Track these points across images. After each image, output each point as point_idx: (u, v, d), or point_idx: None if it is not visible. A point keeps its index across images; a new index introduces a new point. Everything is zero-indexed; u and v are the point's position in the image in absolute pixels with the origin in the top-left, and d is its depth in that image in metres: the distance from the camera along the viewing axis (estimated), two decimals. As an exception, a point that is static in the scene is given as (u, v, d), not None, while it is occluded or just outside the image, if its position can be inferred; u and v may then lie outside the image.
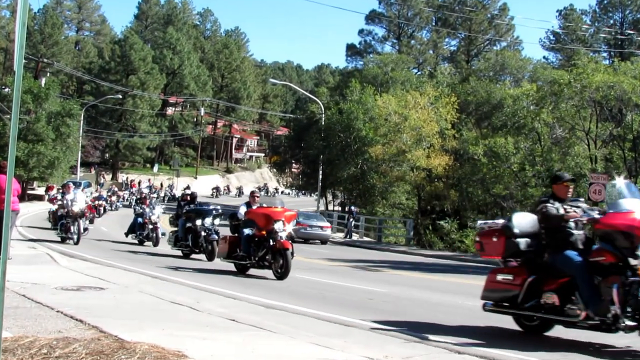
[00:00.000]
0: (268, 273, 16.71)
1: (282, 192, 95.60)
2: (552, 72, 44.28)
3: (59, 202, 24.49)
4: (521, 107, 38.77)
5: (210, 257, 20.94)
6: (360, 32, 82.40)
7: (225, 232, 18.93)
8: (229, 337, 7.97)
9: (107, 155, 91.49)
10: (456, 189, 44.70)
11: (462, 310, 12.17)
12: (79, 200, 24.26)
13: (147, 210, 26.33)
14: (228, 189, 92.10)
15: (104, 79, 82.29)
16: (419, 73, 70.17)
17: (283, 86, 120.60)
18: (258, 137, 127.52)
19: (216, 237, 20.75)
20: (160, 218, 26.90)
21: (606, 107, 35.39)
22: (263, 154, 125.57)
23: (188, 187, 27.82)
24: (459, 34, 77.89)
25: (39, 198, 53.26)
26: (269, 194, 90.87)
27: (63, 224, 24.01)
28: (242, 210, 17.54)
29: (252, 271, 17.37)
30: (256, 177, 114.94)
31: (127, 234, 27.20)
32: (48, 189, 41.28)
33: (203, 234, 21.44)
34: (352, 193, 52.26)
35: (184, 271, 17.01)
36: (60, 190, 25.29)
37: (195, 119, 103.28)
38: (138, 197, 27.26)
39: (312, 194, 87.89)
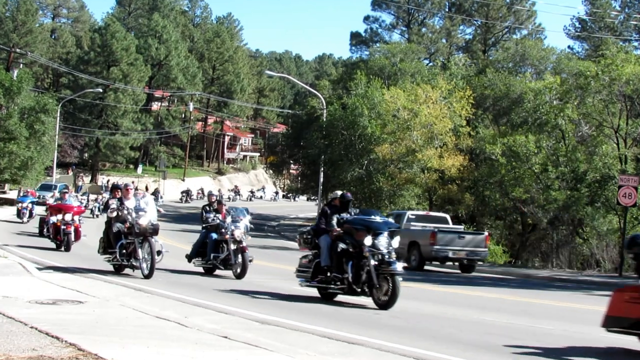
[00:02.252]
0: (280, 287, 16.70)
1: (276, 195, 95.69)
2: (578, 63, 44.30)
3: (112, 209, 18.53)
4: (543, 102, 38.76)
5: (387, 305, 13.88)
6: (366, 19, 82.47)
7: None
8: (220, 356, 7.97)
9: (86, 155, 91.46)
10: (472, 193, 44.69)
11: (480, 327, 12.18)
12: (150, 208, 18.81)
13: (228, 221, 20.10)
14: (202, 192, 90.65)
15: (82, 71, 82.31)
16: (430, 64, 70.12)
17: (280, 79, 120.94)
18: (253, 135, 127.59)
19: (398, 269, 13.95)
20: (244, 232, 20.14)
21: (637, 102, 35.38)
22: (258, 154, 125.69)
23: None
24: (474, 21, 77.86)
25: (10, 202, 53.18)
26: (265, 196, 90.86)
27: (123, 244, 18.19)
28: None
29: (264, 285, 17.39)
30: (250, 179, 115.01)
31: (190, 259, 20.96)
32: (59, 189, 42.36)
33: (372, 262, 13.85)
34: (357, 197, 52.20)
35: (173, 284, 17.01)
36: (110, 193, 20.49)
37: (183, 115, 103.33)
38: (208, 202, 21.68)
39: (312, 198, 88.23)
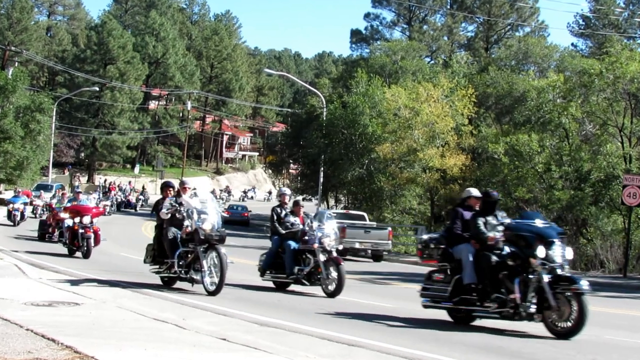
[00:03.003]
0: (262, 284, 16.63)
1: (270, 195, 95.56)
2: (582, 61, 44.23)
3: (167, 210, 15.87)
4: (547, 101, 38.73)
5: (570, 333, 11.39)
6: (367, 16, 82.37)
7: None
8: (218, 358, 7.97)
9: (82, 154, 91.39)
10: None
11: (482, 329, 12.17)
12: (211, 210, 15.96)
13: (314, 226, 17.04)
14: (194, 193, 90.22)
15: (78, 69, 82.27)
16: (432, 62, 70.07)
17: (280, 77, 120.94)
18: (252, 134, 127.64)
19: (583, 286, 11.46)
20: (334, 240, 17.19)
21: (642, 100, 35.39)
22: (257, 153, 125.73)
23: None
24: (477, 18, 77.84)
25: (5, 203, 53.10)
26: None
27: (181, 255, 15.49)
28: None
29: (250, 284, 17.37)
30: (249, 179, 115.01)
31: (263, 272, 17.70)
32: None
33: (546, 278, 11.48)
34: (357, 197, 52.19)
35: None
36: (162, 192, 17.37)
37: (181, 114, 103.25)
38: (279, 202, 18.40)
39: (313, 198, 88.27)
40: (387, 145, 44.86)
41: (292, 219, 17.59)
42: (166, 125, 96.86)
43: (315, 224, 16.98)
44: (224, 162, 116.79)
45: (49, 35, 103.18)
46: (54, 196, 49.13)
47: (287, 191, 18.86)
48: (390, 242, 34.46)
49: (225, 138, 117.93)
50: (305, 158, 59.80)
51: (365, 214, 38.56)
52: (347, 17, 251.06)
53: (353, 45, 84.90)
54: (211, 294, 14.83)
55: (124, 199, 65.65)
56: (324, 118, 51.15)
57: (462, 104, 44.78)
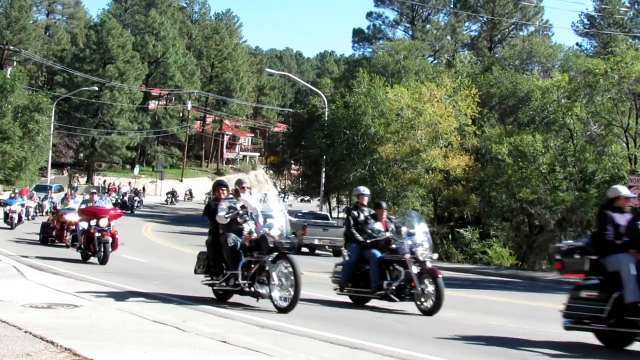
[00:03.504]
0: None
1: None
2: (586, 61, 44.21)
3: (227, 213, 13.92)
4: (551, 101, 38.73)
5: None
6: (369, 15, 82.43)
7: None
8: (219, 361, 7.97)
9: (81, 155, 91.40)
10: (477, 193, 44.66)
11: (486, 331, 12.18)
12: (277, 213, 14.03)
13: (403, 233, 15.04)
14: (190, 193, 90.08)
15: (77, 69, 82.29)
16: (435, 62, 70.14)
17: (281, 77, 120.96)
18: (252, 135, 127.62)
19: None
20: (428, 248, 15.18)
21: (647, 100, 35.37)
22: (258, 154, 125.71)
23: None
24: (480, 17, 77.84)
25: (2, 205, 53.03)
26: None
27: (246, 264, 13.66)
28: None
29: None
30: (250, 180, 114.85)
31: (343, 285, 15.48)
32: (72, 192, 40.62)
33: None
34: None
35: (169, 287, 17.00)
36: (214, 193, 15.36)
37: (181, 114, 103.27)
38: (355, 204, 16.32)
39: (306, 199, 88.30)
40: (389, 146, 44.84)
41: (374, 224, 15.45)
42: (166, 126, 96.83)
43: (404, 230, 14.98)
44: (224, 162, 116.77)
45: (47, 34, 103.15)
46: (45, 198, 48.94)
47: (366, 191, 16.13)
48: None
49: (226, 138, 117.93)
50: (307, 159, 59.81)
51: (328, 214, 43.37)
52: (349, 16, 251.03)
53: (355, 45, 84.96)
54: (282, 310, 12.93)
55: (119, 201, 65.14)
56: (326, 118, 51.16)
57: (465, 104, 44.76)
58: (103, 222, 22.44)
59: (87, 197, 26.03)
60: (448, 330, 12.10)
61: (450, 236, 44.26)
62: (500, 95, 48.32)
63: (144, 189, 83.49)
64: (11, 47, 77.12)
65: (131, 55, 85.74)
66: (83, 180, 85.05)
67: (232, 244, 13.74)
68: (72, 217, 27.48)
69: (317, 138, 51.05)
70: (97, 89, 78.10)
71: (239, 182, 15.03)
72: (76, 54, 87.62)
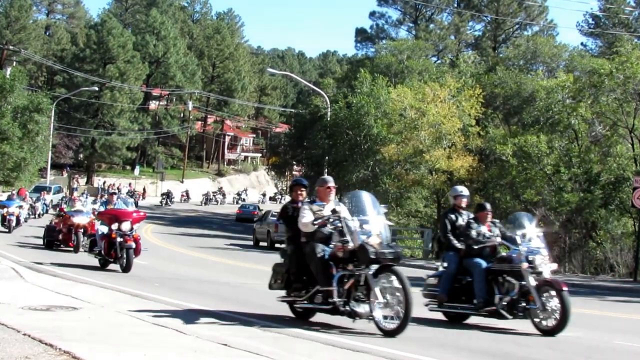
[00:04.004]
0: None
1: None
2: (591, 61, 44.19)
3: (313, 220, 11.73)
4: (556, 101, 38.70)
5: None
6: (372, 14, 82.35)
7: None
8: (219, 364, 7.96)
9: (81, 155, 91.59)
10: (481, 195, 44.58)
11: (489, 334, 12.17)
12: (373, 217, 12.09)
13: (519, 239, 13.26)
14: (187, 195, 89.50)
15: (77, 69, 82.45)
16: (438, 62, 70.04)
17: (283, 77, 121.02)
18: (254, 135, 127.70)
19: None
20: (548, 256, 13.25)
21: (653, 101, 35.34)
22: (260, 155, 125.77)
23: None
24: (484, 17, 77.76)
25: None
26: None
27: (339, 279, 11.57)
28: None
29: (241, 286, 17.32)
30: (252, 181, 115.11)
31: (442, 301, 13.59)
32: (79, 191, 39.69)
33: None
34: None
35: (169, 289, 17.00)
36: (290, 194, 13.19)
37: (182, 115, 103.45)
38: (452, 207, 14.34)
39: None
40: (392, 147, 44.83)
41: (479, 228, 13.49)
42: (167, 126, 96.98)
43: (519, 234, 13.26)
44: (225, 163, 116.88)
45: (47, 34, 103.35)
46: (38, 199, 48.65)
47: (465, 192, 14.17)
48: None
49: (227, 139, 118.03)
50: (309, 159, 59.76)
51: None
52: (352, 16, 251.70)
53: (358, 45, 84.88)
54: (389, 333, 10.98)
55: None
56: (328, 119, 51.12)
57: (469, 105, 44.73)
58: (125, 225, 20.82)
59: (106, 198, 24.62)
60: (452, 332, 12.07)
61: (453, 238, 44.18)
62: (505, 95, 48.31)
63: (144, 190, 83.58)
64: (11, 47, 77.35)
65: (132, 55, 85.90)
66: (83, 181, 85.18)
67: (321, 254, 11.59)
68: (80, 219, 26.92)
69: (319, 139, 51.04)
70: (97, 89, 78.24)
71: (323, 182, 12.50)
72: (76, 54, 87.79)
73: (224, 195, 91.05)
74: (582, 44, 76.46)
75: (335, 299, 11.26)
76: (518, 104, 47.32)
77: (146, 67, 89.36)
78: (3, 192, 58.02)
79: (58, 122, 75.64)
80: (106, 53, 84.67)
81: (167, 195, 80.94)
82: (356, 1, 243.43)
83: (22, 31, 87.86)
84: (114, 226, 20.74)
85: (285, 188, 79.23)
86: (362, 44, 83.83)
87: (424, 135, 43.36)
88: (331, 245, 11.64)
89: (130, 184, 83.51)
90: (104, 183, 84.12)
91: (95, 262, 21.76)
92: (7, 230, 34.84)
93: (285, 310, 12.74)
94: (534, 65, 56.04)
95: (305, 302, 12.03)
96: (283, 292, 12.51)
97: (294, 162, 76.77)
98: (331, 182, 12.42)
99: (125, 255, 20.36)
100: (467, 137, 45.15)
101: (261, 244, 41.52)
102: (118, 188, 75.58)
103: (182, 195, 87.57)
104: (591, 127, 38.37)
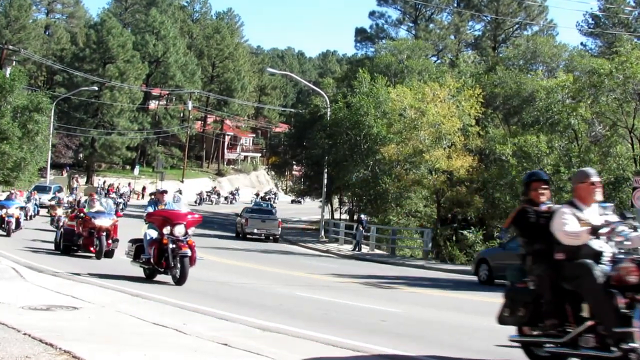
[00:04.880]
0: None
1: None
2: (591, 61, 44.21)
3: (572, 223, 8.59)
4: (555, 101, 38.70)
5: None
6: (372, 14, 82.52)
7: None
8: (220, 364, 7.94)
9: (81, 155, 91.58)
10: (481, 195, 44.64)
11: (490, 333, 12.16)
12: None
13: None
14: (180, 193, 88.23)
15: (77, 69, 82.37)
16: (438, 61, 70.21)
17: (282, 76, 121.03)
18: (254, 135, 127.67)
19: None
20: None
21: (653, 100, 35.33)
22: (259, 154, 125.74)
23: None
24: (484, 16, 77.85)
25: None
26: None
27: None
28: None
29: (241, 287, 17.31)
30: (251, 181, 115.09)
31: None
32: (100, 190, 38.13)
33: None
34: (362, 199, 52.18)
35: (169, 289, 16.98)
36: (526, 192, 9.60)
37: (181, 114, 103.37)
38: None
39: (297, 200, 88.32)
40: (392, 147, 44.83)
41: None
42: (167, 126, 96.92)
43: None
44: (225, 163, 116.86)
45: (47, 33, 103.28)
46: (29, 199, 47.65)
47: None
48: (280, 229, 46.73)
49: (227, 139, 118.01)
50: (309, 159, 59.85)
51: (272, 210, 55.07)
52: (351, 16, 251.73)
53: (358, 44, 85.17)
54: None
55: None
56: (328, 118, 51.13)
57: (469, 104, 44.74)
58: (179, 229, 17.90)
59: (154, 197, 21.02)
60: (453, 332, 12.09)
61: (453, 238, 44.27)
62: (504, 95, 48.33)
63: (143, 189, 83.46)
64: (10, 47, 77.30)
65: (131, 55, 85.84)
66: (83, 180, 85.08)
67: (603, 280, 8.16)
68: (103, 221, 25.26)
69: (319, 138, 51.04)
70: (97, 88, 78.23)
71: (585, 176, 9.12)
72: (76, 54, 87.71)
73: (218, 195, 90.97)
74: (582, 43, 76.64)
75: (637, 343, 7.75)
76: (518, 104, 47.35)
77: (146, 66, 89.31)
78: (3, 192, 58.02)
79: (58, 121, 75.60)
80: (106, 53, 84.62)
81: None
82: (356, 1, 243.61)
83: (21, 31, 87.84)
84: (166, 230, 17.91)
85: (285, 188, 79.14)
86: (361, 44, 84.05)
87: (423, 135, 43.36)
88: (603, 265, 8.36)
89: (129, 184, 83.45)
90: (104, 183, 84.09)
91: (134, 270, 19.19)
92: (5, 233, 32.11)
93: (285, 311, 12.72)
94: (533, 65, 56.07)
95: (564, 345, 8.53)
96: (515, 328, 9.34)
97: (294, 162, 76.94)
98: (595, 177, 9.02)
99: (179, 265, 17.50)
100: (467, 137, 45.17)
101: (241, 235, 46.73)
102: (118, 187, 75.62)
103: (174, 196, 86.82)
104: (591, 127, 38.38)
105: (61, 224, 30.21)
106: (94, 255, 24.97)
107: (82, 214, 26.39)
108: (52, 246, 28.02)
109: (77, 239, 25.95)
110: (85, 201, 27.93)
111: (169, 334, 10.00)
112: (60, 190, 60.48)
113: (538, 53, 55.56)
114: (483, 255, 27.22)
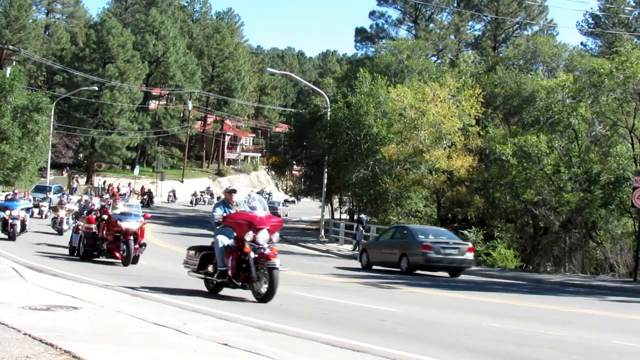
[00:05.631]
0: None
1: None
2: (591, 61, 44.20)
3: None
4: (556, 101, 38.70)
5: None
6: (372, 14, 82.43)
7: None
8: (220, 364, 7.94)
9: (81, 155, 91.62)
10: (481, 195, 44.64)
11: (490, 334, 12.18)
12: None
13: None
14: (174, 195, 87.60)
15: (77, 68, 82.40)
16: (438, 61, 70.13)
17: (283, 76, 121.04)
18: (254, 135, 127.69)
19: None
20: None
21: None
22: (260, 154, 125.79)
23: None
24: (484, 16, 77.79)
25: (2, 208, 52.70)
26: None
27: None
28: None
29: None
30: (252, 181, 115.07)
31: None
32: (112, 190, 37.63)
33: None
34: (362, 199, 52.22)
35: (169, 289, 16.98)
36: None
37: (181, 114, 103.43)
38: None
39: (291, 200, 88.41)
40: (392, 146, 44.84)
41: None
42: (167, 126, 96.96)
43: None
44: (225, 163, 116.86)
45: (47, 33, 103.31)
46: (13, 199, 45.74)
47: None
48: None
49: (227, 139, 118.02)
50: (309, 159, 59.89)
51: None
52: (351, 15, 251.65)
53: (358, 44, 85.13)
54: None
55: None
56: (328, 118, 51.15)
57: (469, 104, 44.74)
58: (263, 235, 14.84)
59: (224, 197, 17.07)
60: (452, 332, 12.10)
61: (453, 238, 44.21)
62: (505, 95, 48.32)
63: (142, 189, 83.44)
64: (10, 47, 77.34)
65: (131, 55, 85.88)
66: (83, 180, 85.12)
67: None
68: (130, 224, 23.30)
69: (319, 138, 51.07)
70: (97, 88, 78.29)
71: None
72: (76, 54, 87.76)
73: (211, 195, 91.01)
74: (582, 43, 76.62)
75: None
76: (518, 103, 47.34)
77: (146, 66, 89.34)
78: (3, 191, 57.98)
79: (58, 121, 75.67)
80: (106, 52, 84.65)
81: (148, 195, 78.07)
82: (356, 1, 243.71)
83: (21, 31, 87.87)
84: (248, 236, 14.79)
85: (285, 188, 79.21)
86: (362, 44, 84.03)
87: (423, 135, 43.37)
88: None
89: (129, 184, 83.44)
90: (104, 183, 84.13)
91: (186, 281, 17.32)
92: (7, 236, 30.14)
93: (286, 311, 12.73)
94: (534, 65, 56.04)
95: None
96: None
97: (294, 162, 76.95)
98: None
99: (263, 278, 14.66)
100: (467, 136, 45.18)
101: None
102: (118, 188, 75.55)
103: (169, 196, 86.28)
104: (591, 127, 38.37)
105: (75, 226, 28.35)
106: (118, 261, 23.39)
107: (106, 216, 24.20)
108: (63, 250, 26.90)
109: (101, 244, 23.96)
110: (109, 203, 25.84)
111: (169, 334, 10.01)
112: (60, 190, 60.50)
113: (538, 53, 55.54)
114: (364, 247, 33.33)
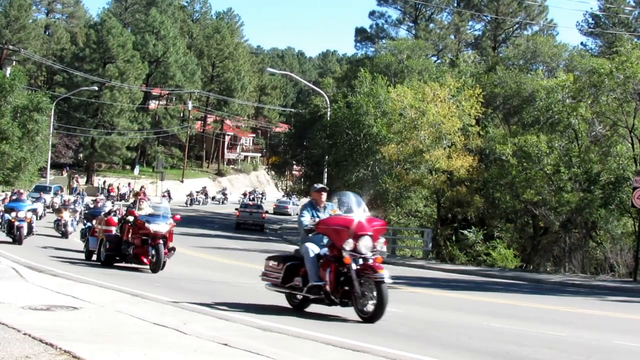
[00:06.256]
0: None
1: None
2: (591, 61, 44.20)
3: None
4: (556, 101, 38.68)
5: None
6: (372, 14, 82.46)
7: None
8: (220, 364, 7.93)
9: (81, 155, 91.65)
10: (481, 194, 44.61)
11: (490, 334, 12.18)
12: None
13: None
14: (169, 194, 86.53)
15: (77, 68, 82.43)
16: (438, 61, 70.11)
17: (282, 76, 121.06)
18: (254, 135, 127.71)
19: None
20: None
21: (653, 100, 35.31)
22: (259, 154, 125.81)
23: None
24: (484, 16, 77.82)
25: (7, 210, 52.51)
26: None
27: None
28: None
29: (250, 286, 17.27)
30: (251, 181, 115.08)
31: None
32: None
33: None
34: (362, 199, 52.07)
35: (169, 289, 16.99)
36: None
37: (181, 114, 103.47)
38: None
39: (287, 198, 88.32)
40: (392, 146, 44.78)
41: None
42: (166, 126, 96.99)
43: None
44: (225, 163, 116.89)
45: (47, 33, 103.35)
46: (38, 199, 46.36)
47: None
48: (265, 218, 61.41)
49: (227, 139, 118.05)
50: (309, 159, 59.82)
51: (262, 205, 69.69)
52: (351, 15, 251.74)
53: (358, 44, 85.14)
54: None
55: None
56: (328, 118, 51.12)
57: (469, 104, 44.69)
58: (365, 243, 12.54)
59: (311, 198, 14.43)
60: (452, 332, 12.10)
61: (453, 237, 44.19)
62: (505, 95, 48.29)
63: (141, 189, 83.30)
64: (10, 47, 77.35)
65: (131, 55, 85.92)
66: (82, 180, 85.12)
67: None
68: (159, 227, 21.59)
69: (319, 138, 51.04)
70: (97, 88, 78.32)
71: None
72: (76, 54, 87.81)
73: (206, 195, 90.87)
74: (582, 43, 76.64)
75: None
76: (518, 103, 47.29)
77: (146, 66, 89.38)
78: (3, 191, 57.88)
79: (58, 121, 75.69)
80: (106, 52, 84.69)
81: (137, 196, 76.00)
82: (356, 1, 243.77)
83: (21, 31, 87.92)
84: (347, 245, 12.40)
85: (285, 187, 79.19)
86: (361, 44, 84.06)
87: (423, 135, 43.32)
88: None
89: (129, 184, 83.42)
90: (104, 183, 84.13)
91: (260, 294, 15.52)
92: (12, 239, 28.64)
93: (286, 310, 12.73)
94: (534, 65, 56.00)
95: None
96: None
97: (294, 162, 76.84)
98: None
99: (372, 294, 12.33)
100: (467, 136, 45.12)
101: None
102: (118, 187, 75.55)
103: (164, 196, 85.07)
104: (591, 127, 38.35)
105: (89, 228, 27.21)
106: (145, 267, 21.94)
107: (132, 218, 22.52)
108: (76, 255, 25.78)
109: (127, 248, 22.18)
110: (133, 203, 24.33)
111: (169, 334, 10.01)
112: (60, 190, 60.50)
113: (538, 53, 55.51)
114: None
